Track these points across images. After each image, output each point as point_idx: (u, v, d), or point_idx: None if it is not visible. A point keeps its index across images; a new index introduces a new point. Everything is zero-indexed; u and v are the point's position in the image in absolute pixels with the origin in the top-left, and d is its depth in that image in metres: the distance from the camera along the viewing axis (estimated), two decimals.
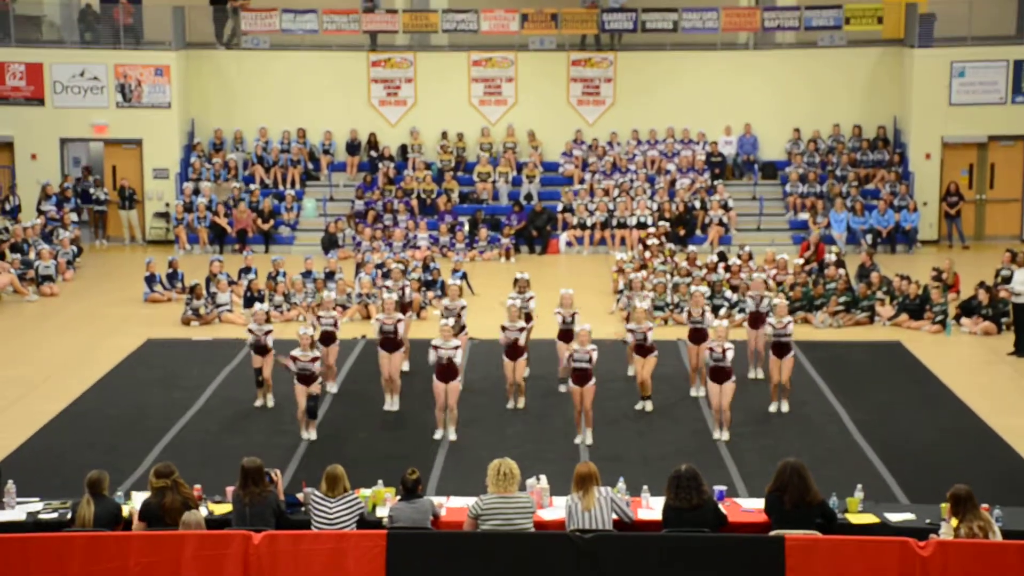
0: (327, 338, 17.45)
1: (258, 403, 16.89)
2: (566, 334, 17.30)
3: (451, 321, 16.00)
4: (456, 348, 15.48)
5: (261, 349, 16.87)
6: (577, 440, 15.40)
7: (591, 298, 22.70)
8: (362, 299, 22.38)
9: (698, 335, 17.19)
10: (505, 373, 16.84)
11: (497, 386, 17.33)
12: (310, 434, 15.60)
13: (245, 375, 17.96)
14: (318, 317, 17.75)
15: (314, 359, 15.57)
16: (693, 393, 17.31)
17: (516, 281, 18.28)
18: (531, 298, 18.02)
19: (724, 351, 15.25)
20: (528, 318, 17.77)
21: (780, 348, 16.58)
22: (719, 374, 15.35)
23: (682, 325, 20.89)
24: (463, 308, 17.84)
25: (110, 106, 29.59)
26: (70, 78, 29.50)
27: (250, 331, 17.03)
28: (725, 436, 15.40)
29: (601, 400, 16.01)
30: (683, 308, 21.81)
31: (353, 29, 30.50)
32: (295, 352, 15.59)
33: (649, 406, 16.71)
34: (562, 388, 17.35)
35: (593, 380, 15.35)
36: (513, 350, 16.66)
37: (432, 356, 15.47)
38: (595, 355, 15.34)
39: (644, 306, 17.04)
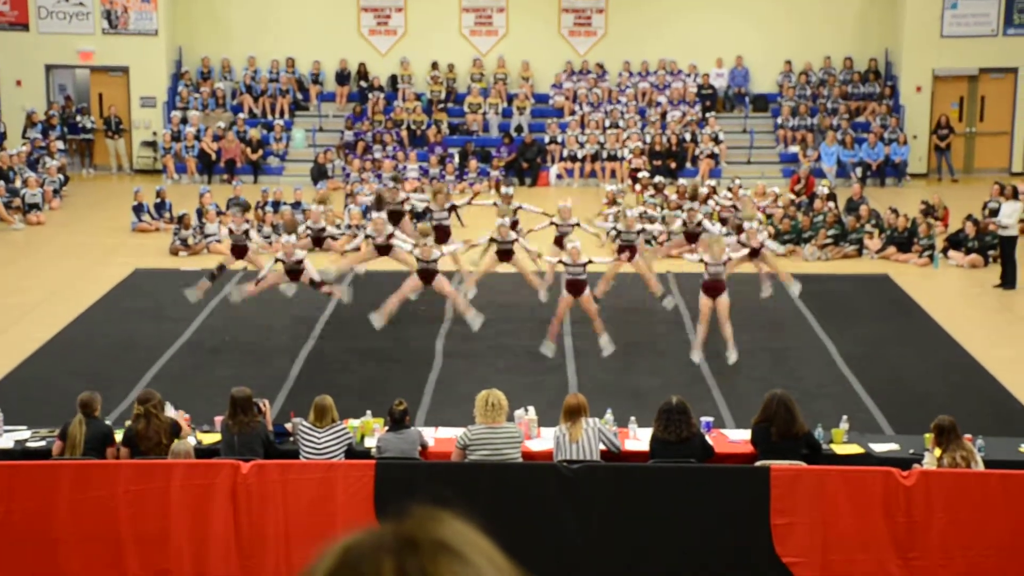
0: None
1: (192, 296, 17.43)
2: (558, 241, 17.76)
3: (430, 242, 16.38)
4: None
5: (240, 251, 17.53)
6: (543, 349, 15.75)
7: (580, 231, 22.60)
8: (351, 230, 22.31)
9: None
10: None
11: (489, 317, 17.32)
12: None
13: (234, 305, 17.92)
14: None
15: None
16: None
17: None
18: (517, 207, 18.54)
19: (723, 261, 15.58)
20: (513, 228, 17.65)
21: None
22: (717, 287, 15.51)
23: (671, 259, 20.88)
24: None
25: (96, 33, 29.27)
26: (55, 3, 29.13)
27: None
28: (734, 357, 15.53)
29: (588, 331, 16.12)
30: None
31: None
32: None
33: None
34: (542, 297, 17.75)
35: (588, 290, 15.77)
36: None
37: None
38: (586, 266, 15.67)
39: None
